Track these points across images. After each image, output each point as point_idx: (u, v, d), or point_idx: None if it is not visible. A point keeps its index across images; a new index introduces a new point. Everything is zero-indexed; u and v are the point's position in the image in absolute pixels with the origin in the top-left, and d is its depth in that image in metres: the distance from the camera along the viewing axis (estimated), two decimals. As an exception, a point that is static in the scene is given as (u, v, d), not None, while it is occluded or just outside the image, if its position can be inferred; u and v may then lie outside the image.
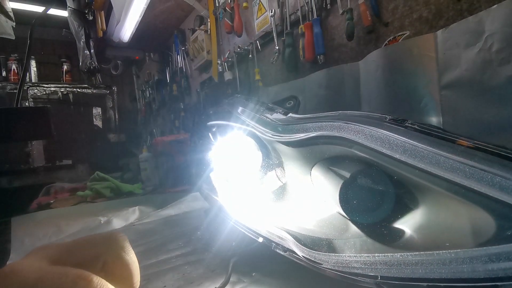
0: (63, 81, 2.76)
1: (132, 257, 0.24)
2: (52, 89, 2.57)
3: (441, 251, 0.24)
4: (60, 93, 2.58)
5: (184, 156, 1.50)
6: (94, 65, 1.63)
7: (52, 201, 1.41)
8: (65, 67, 2.80)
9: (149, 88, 2.80)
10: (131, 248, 0.25)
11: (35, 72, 2.71)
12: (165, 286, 0.47)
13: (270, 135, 0.47)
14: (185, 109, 2.26)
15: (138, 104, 3.17)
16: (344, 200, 0.33)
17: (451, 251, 0.24)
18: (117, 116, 2.80)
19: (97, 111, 2.72)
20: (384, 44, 0.88)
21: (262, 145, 0.52)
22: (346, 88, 0.97)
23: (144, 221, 0.96)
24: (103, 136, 2.74)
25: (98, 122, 2.71)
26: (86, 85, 2.67)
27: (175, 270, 0.53)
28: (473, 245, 0.23)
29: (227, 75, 1.60)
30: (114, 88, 2.81)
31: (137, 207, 1.07)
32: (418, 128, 0.32)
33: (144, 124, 3.11)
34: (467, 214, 0.25)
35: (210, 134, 0.72)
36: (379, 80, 0.85)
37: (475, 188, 0.24)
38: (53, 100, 2.57)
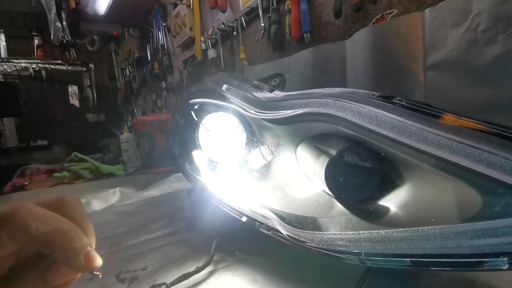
0: (35, 56, 2.59)
1: (85, 218, 0.24)
2: (23, 65, 2.40)
3: (426, 227, 0.24)
4: (31, 70, 2.42)
5: (166, 136, 1.46)
6: (67, 39, 1.52)
7: (26, 183, 1.35)
8: (36, 41, 2.62)
9: (129, 66, 2.68)
10: (83, 208, 0.25)
11: (4, 47, 2.53)
12: (146, 266, 0.45)
13: (255, 113, 0.46)
14: (168, 88, 2.19)
15: (118, 83, 3.04)
16: (330, 177, 0.33)
17: (436, 227, 0.24)
18: (95, 95, 2.68)
19: (73, 89, 2.58)
20: (371, 23, 0.86)
21: (247, 123, 0.50)
22: (332, 67, 0.96)
23: (125, 203, 0.94)
24: (81, 116, 2.62)
25: (74, 101, 2.58)
26: (60, 61, 2.51)
27: (156, 250, 0.52)
28: (459, 221, 0.23)
29: (211, 53, 1.55)
30: (91, 66, 2.67)
31: (117, 188, 1.04)
32: (406, 104, 0.31)
33: (124, 104, 3.00)
34: (454, 190, 0.24)
35: (192, 113, 0.70)
36: (366, 59, 0.84)
37: (462, 164, 0.24)
38: (24, 77, 2.41)
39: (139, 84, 2.60)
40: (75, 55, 2.42)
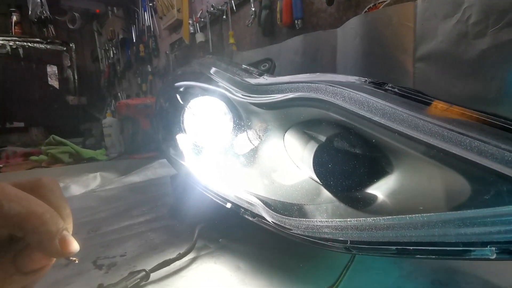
0: (12, 33, 2.44)
1: (62, 201, 0.23)
2: (0, 42, 2.26)
3: (413, 215, 0.24)
4: (8, 47, 2.29)
5: (151, 121, 1.42)
6: (46, 15, 1.43)
7: (2, 166, 1.29)
8: (14, 17, 2.46)
9: (113, 48, 2.57)
10: (61, 191, 0.23)
11: (-21, 22, 2.37)
12: (125, 252, 0.44)
13: (244, 96, 0.44)
14: (154, 72, 2.12)
15: (101, 64, 2.91)
16: (318, 164, 0.32)
17: (424, 215, 0.23)
18: (76, 76, 2.57)
19: (52, 69, 2.46)
20: (364, 11, 0.85)
21: (234, 107, 0.49)
22: (323, 56, 0.94)
23: (106, 188, 0.91)
24: (61, 97, 2.51)
25: (54, 82, 2.47)
26: (39, 39, 2.38)
27: (137, 236, 0.50)
28: (447, 209, 0.23)
29: (199, 37, 1.50)
30: (72, 45, 2.54)
31: (98, 173, 1.00)
32: (398, 91, 0.31)
33: (107, 87, 2.89)
34: (444, 179, 0.24)
35: (178, 96, 0.67)
36: (356, 49, 0.83)
37: (453, 152, 0.23)
38: (0, 54, 2.28)
39: (123, 67, 2.51)
40: (54, 33, 2.29)
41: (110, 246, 0.46)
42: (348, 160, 0.31)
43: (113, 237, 0.50)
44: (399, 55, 0.75)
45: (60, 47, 2.50)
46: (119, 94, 2.64)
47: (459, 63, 0.65)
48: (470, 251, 0.21)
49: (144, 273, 0.34)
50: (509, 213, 0.20)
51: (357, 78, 0.35)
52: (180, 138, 0.62)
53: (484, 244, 0.21)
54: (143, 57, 2.13)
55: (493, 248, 0.20)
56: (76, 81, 2.59)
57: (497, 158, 0.22)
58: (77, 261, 0.23)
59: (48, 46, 2.45)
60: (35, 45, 2.38)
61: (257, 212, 0.37)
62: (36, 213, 0.20)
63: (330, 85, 0.34)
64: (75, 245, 0.22)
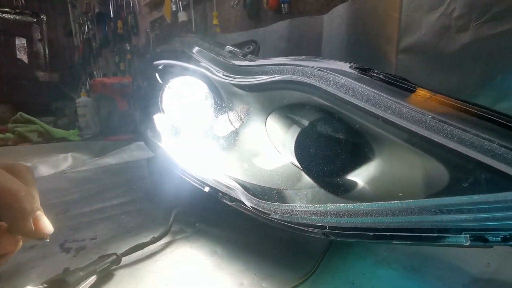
0: (-25, 0, 2.23)
1: (34, 188, 0.23)
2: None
3: (392, 202, 0.24)
4: (-30, 15, 2.09)
5: (128, 101, 1.36)
6: (12, -20, 1.31)
7: (-38, 143, 1.19)
8: (-24, -18, 2.25)
9: (88, 22, 2.42)
10: (35, 182, 0.23)
11: None
12: (96, 236, 0.42)
13: (226, 77, 0.42)
14: (132, 51, 2.02)
15: (75, 40, 2.74)
16: (300, 148, 0.31)
17: (402, 201, 0.24)
18: (47, 51, 2.41)
19: (21, 42, 2.29)
20: (351, -1, 0.83)
21: (216, 88, 0.47)
22: (308, 42, 0.93)
23: (78, 169, 0.87)
24: (30, 73, 2.35)
25: (22, 56, 2.30)
26: (7, 9, 2.20)
27: (109, 219, 0.48)
28: (425, 196, 0.23)
29: (182, 16, 1.44)
30: (43, 17, 2.37)
31: (70, 154, 0.95)
32: (383, 78, 0.30)
33: (82, 65, 2.73)
34: (424, 166, 0.24)
35: (157, 75, 0.64)
36: (342, 37, 0.82)
37: (435, 140, 0.23)
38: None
39: (99, 44, 2.37)
40: (23, 2, 2.12)
41: (79, 229, 0.44)
42: (330, 146, 0.30)
43: (83, 220, 0.48)
44: (383, 45, 0.76)
45: (30, 18, 2.32)
46: (94, 72, 2.51)
47: (441, 56, 0.66)
48: (445, 237, 0.21)
49: (115, 256, 0.32)
50: (485, 201, 0.20)
51: (343, 62, 0.34)
52: (158, 119, 0.60)
53: (459, 231, 0.21)
54: (121, 34, 2.02)
55: (468, 235, 0.21)
56: (47, 56, 2.42)
57: (476, 147, 0.22)
58: (48, 239, 0.24)
59: (17, 17, 2.26)
60: (3, 15, 2.19)
61: (235, 197, 0.36)
62: (11, 190, 0.20)
63: (316, 69, 0.33)
64: (49, 226, 0.22)
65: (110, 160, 0.96)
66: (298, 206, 0.29)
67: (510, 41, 0.55)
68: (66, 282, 0.26)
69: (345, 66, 0.33)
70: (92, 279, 0.28)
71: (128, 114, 1.36)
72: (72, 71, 2.78)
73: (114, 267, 0.32)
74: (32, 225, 0.21)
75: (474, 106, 0.25)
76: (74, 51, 2.76)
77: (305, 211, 0.29)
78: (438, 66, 0.67)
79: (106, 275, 0.31)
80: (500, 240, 0.20)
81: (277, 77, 0.35)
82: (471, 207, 0.20)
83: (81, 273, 0.27)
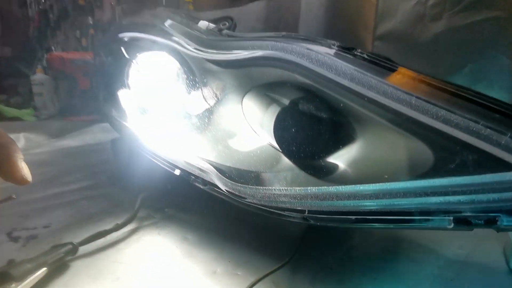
0: None
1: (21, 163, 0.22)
2: None
3: (377, 184, 0.23)
4: None
5: (90, 80, 1.26)
6: None
7: None
8: None
9: (45, -9, 2.18)
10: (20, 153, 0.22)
11: None
12: (50, 223, 0.37)
13: (199, 51, 0.39)
14: (96, 26, 1.86)
15: (30, 10, 2.47)
16: (280, 129, 0.29)
17: (387, 183, 0.23)
18: (-4, 20, 2.15)
19: (-37, 8, 2.02)
20: (330, -19, 0.82)
21: (188, 64, 0.43)
22: (285, 25, 0.91)
23: (32, 152, 0.78)
24: (-25, 44, 2.10)
25: (-35, 24, 2.03)
26: None
27: (67, 205, 0.43)
28: (410, 178, 0.22)
29: (151, -11, 1.34)
30: (-10, -19, 2.09)
31: (22, 134, 0.86)
32: (366, 57, 0.29)
33: (38, 38, 2.48)
34: (409, 147, 0.23)
35: (122, 49, 0.58)
36: (319, 21, 0.80)
37: (420, 120, 0.23)
38: None
39: (58, 16, 2.15)
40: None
41: (30, 216, 0.39)
42: (312, 126, 0.29)
43: (35, 206, 0.43)
44: (360, 31, 0.75)
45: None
46: (52, 48, 2.29)
47: (414, 45, 0.66)
48: (429, 220, 0.21)
49: (70, 246, 0.29)
50: (471, 183, 0.19)
51: (325, 40, 0.32)
52: (124, 97, 0.55)
53: (442, 213, 0.20)
54: (82, 6, 1.85)
55: (451, 218, 0.20)
56: (-4, 26, 2.16)
57: (462, 128, 0.21)
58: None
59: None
60: None
61: (209, 180, 0.33)
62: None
63: (297, 45, 0.31)
64: (29, 174, 0.22)
65: (69, 142, 0.88)
66: (277, 189, 0.27)
67: (480, 32, 0.57)
68: (9, 275, 0.23)
69: (327, 44, 0.31)
70: (42, 271, 0.25)
71: (91, 94, 1.26)
72: (26, 45, 2.51)
73: (70, 257, 0.29)
74: (14, 168, 0.20)
75: (458, 87, 0.24)
76: (29, 23, 2.49)
77: (284, 194, 0.27)
78: (412, 54, 0.67)
79: (59, 267, 0.27)
80: (483, 223, 0.19)
81: (258, 53, 0.32)
82: (456, 189, 0.20)
83: (29, 265, 0.24)
